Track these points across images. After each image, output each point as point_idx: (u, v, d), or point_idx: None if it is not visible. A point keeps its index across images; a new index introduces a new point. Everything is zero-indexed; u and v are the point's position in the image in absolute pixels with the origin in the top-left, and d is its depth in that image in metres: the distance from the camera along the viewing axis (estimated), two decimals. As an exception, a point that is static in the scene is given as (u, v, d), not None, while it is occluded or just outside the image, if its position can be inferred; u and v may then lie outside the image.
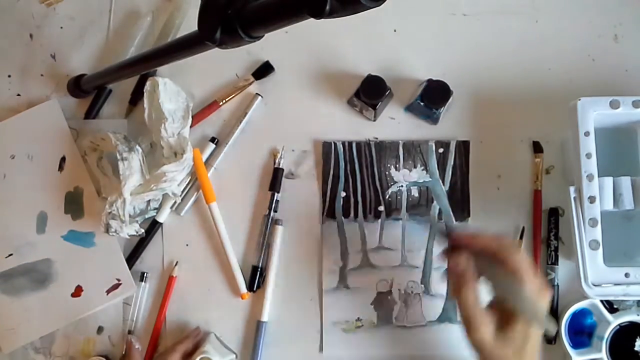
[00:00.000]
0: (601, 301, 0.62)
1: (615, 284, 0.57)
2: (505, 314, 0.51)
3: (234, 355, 0.65)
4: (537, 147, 0.66)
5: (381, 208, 0.67)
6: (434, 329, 0.65)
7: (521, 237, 0.65)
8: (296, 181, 0.68)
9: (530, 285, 0.49)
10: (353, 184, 0.67)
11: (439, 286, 0.65)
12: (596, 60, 0.68)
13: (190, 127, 0.66)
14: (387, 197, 0.67)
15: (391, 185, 0.67)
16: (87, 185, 0.67)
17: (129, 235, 0.63)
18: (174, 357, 0.61)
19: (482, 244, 0.52)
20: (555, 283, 0.64)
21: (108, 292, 0.65)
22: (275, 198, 0.67)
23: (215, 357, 0.61)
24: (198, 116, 0.68)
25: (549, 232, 0.65)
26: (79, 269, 0.66)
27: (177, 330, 0.66)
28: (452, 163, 0.67)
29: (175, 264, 0.67)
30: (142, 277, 0.66)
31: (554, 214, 0.65)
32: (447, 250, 0.54)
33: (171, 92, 0.65)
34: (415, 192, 0.67)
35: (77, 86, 0.68)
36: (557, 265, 0.64)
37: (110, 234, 0.62)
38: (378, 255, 0.66)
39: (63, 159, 0.68)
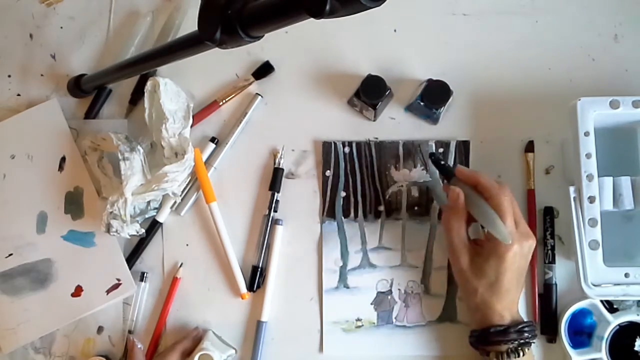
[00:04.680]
0: (601, 301, 0.62)
1: (615, 284, 0.57)
2: (484, 249, 0.56)
3: (234, 350, 0.65)
4: (528, 147, 0.66)
5: (381, 208, 0.67)
6: (434, 329, 0.65)
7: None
8: (296, 181, 0.68)
9: (507, 221, 0.54)
10: (353, 184, 0.67)
11: (439, 286, 0.65)
12: (596, 60, 0.68)
13: (191, 127, 0.66)
14: (387, 197, 0.67)
15: (391, 185, 0.67)
16: (87, 185, 0.67)
17: (130, 235, 0.63)
18: (173, 356, 0.62)
19: (479, 179, 0.57)
20: (553, 282, 0.64)
21: (108, 292, 0.66)
22: (275, 198, 0.67)
23: (214, 353, 0.61)
24: (198, 116, 0.68)
25: (544, 231, 0.65)
26: (79, 269, 0.66)
27: (177, 330, 0.66)
28: (452, 163, 0.67)
29: (180, 266, 0.67)
30: (142, 277, 0.66)
31: (549, 213, 0.65)
32: (447, 179, 0.60)
33: (172, 92, 0.65)
34: (415, 192, 0.67)
35: (77, 86, 0.68)
36: (554, 264, 0.64)
37: (111, 234, 0.62)
38: (378, 255, 0.66)
39: (63, 159, 0.68)
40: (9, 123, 0.69)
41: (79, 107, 0.70)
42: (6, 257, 0.66)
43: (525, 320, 0.57)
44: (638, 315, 0.61)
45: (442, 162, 0.62)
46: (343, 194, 0.67)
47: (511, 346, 0.54)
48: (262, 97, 0.68)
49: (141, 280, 0.66)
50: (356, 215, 0.67)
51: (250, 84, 0.69)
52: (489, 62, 0.68)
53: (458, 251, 0.56)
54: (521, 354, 0.54)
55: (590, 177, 0.57)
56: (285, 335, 0.66)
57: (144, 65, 0.60)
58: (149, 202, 0.66)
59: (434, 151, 0.66)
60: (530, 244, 0.56)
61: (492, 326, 0.55)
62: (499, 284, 0.55)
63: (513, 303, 0.57)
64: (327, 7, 0.34)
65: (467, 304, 0.59)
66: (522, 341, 0.54)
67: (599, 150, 0.58)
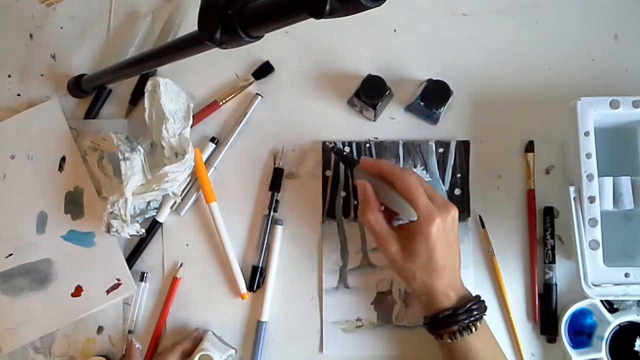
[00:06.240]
0: (601, 301, 0.62)
1: (615, 284, 0.56)
2: (409, 232, 0.55)
3: (234, 351, 0.65)
4: (528, 147, 0.66)
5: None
6: (434, 329, 0.65)
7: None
8: (296, 181, 0.68)
9: (418, 198, 0.54)
10: (353, 184, 0.67)
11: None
12: (596, 60, 0.68)
13: (191, 127, 0.66)
14: (387, 197, 0.67)
15: (391, 185, 0.67)
16: (87, 185, 0.67)
17: (130, 235, 0.63)
18: (173, 357, 0.62)
19: (381, 166, 0.57)
20: (553, 282, 0.64)
21: (108, 292, 0.66)
22: (275, 198, 0.67)
23: (214, 353, 0.61)
24: (198, 116, 0.68)
25: (544, 231, 0.65)
26: (79, 269, 0.66)
27: (177, 330, 0.66)
28: (452, 163, 0.67)
29: (180, 266, 0.67)
30: (142, 277, 0.66)
31: (549, 213, 0.65)
32: (350, 170, 0.61)
33: (172, 92, 0.65)
34: (415, 192, 0.67)
35: (77, 86, 0.68)
36: (554, 264, 0.64)
37: (112, 233, 0.62)
38: (378, 255, 0.66)
39: (63, 159, 0.68)
40: (9, 123, 0.69)
41: (79, 107, 0.70)
42: (6, 257, 0.66)
43: (473, 296, 0.57)
44: (638, 315, 0.62)
45: (345, 153, 0.64)
46: (343, 194, 0.67)
47: (462, 324, 0.54)
48: (262, 97, 0.68)
49: (141, 280, 0.66)
50: (356, 216, 0.67)
51: (250, 84, 0.69)
52: (489, 62, 0.68)
53: (385, 241, 0.56)
54: (473, 329, 0.54)
55: (590, 177, 0.57)
56: (285, 335, 0.66)
57: (144, 65, 0.60)
58: (149, 202, 0.66)
59: (334, 144, 0.67)
60: (453, 214, 0.55)
61: (441, 311, 0.55)
62: (433, 261, 0.54)
63: (454, 278, 0.56)
64: (327, 7, 0.34)
65: (410, 291, 0.58)
66: (472, 319, 0.54)
67: (599, 150, 0.58)
